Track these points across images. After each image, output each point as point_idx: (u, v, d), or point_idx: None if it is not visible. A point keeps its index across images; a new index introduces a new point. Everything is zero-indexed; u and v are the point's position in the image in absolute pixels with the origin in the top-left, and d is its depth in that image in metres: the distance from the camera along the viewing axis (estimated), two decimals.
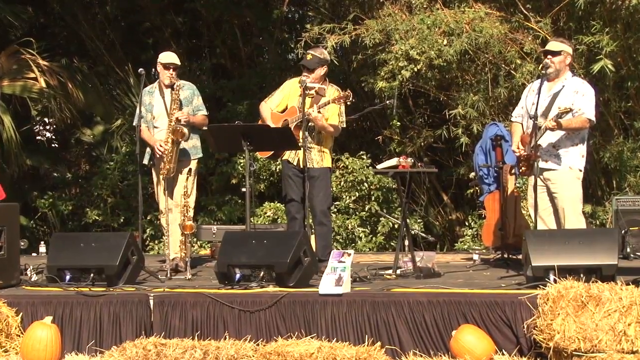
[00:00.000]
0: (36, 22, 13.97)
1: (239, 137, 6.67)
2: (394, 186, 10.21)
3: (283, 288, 5.66)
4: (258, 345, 5.28)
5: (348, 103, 7.03)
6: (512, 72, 9.70)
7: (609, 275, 5.31)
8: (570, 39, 8.50)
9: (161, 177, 7.23)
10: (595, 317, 4.85)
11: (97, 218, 12.01)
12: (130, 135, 12.13)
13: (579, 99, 6.45)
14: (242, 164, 10.70)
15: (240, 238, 6.20)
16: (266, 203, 10.83)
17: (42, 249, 9.10)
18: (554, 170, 6.50)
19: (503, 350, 5.13)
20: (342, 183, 10.70)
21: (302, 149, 6.87)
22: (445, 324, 5.24)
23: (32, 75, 11.94)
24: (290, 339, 5.20)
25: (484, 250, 8.54)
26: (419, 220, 10.77)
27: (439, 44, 9.55)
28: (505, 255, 7.44)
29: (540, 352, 5.03)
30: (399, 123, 11.03)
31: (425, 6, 9.97)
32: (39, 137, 14.03)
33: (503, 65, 9.84)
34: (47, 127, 14.13)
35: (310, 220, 7.05)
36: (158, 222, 8.99)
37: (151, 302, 5.60)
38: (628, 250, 7.82)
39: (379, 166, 6.91)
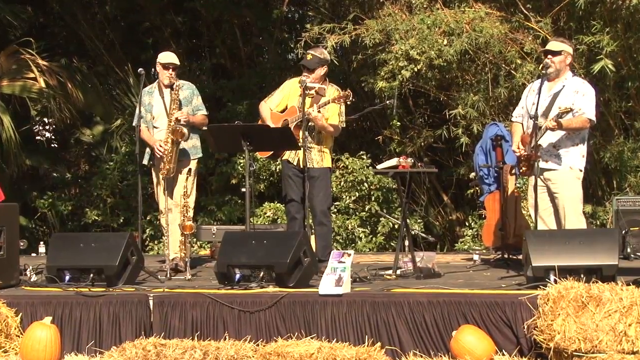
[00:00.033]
0: (35, 22, 13.96)
1: (238, 137, 6.66)
2: (394, 186, 10.20)
3: (283, 288, 5.65)
4: (258, 345, 5.27)
5: (348, 103, 7.03)
6: (512, 72, 9.69)
7: (609, 276, 5.31)
8: (570, 38, 8.49)
9: (161, 177, 7.22)
10: (595, 318, 4.85)
11: (96, 218, 11.99)
12: (130, 135, 12.11)
13: (579, 98, 6.44)
14: (242, 164, 10.69)
15: (240, 238, 6.19)
16: (266, 203, 10.82)
17: (42, 249, 9.07)
18: (554, 170, 6.49)
19: (503, 351, 5.12)
20: (342, 183, 10.68)
21: (302, 149, 6.86)
22: (445, 324, 5.23)
23: (31, 75, 11.91)
24: (290, 340, 5.20)
25: (484, 251, 8.52)
26: (419, 221, 10.76)
27: (439, 44, 9.54)
28: (506, 256, 7.43)
29: (541, 353, 5.02)
30: (399, 123, 11.02)
31: (425, 6, 9.97)
32: (38, 137, 14.01)
33: (503, 65, 9.83)
34: (47, 127, 14.11)
35: (310, 221, 7.03)
36: (158, 222, 9.00)
37: (151, 302, 5.59)
38: (628, 250, 7.82)
39: (379, 166, 6.90)
